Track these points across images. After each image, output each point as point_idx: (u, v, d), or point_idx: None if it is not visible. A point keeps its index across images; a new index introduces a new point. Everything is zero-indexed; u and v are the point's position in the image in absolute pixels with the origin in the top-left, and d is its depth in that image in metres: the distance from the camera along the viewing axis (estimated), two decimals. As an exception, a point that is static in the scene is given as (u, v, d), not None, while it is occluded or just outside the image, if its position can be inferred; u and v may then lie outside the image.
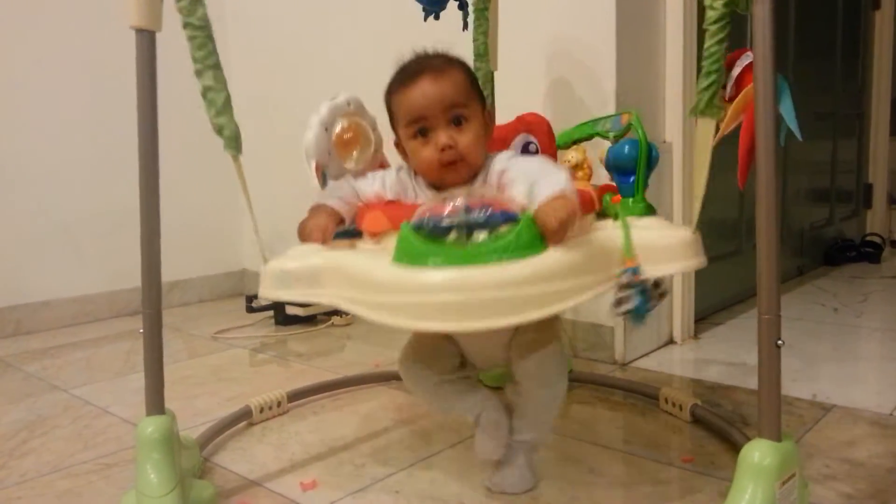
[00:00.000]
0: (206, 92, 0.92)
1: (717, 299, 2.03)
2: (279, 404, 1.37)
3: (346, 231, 1.00)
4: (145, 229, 0.94)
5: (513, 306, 0.76)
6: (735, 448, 1.07)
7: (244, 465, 1.16)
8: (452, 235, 0.80)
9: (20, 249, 2.17)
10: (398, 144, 1.04)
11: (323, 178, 1.10)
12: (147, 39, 0.91)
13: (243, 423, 1.32)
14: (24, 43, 2.16)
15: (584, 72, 1.61)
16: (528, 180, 0.89)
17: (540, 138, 1.15)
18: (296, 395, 1.42)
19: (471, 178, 0.99)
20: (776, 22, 0.79)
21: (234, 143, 0.95)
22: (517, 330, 0.98)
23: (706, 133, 0.86)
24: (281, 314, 2.14)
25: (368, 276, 0.82)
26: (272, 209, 2.30)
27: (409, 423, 1.31)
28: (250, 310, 2.16)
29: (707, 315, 1.98)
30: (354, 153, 1.15)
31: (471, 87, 0.99)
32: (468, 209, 0.81)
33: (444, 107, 0.96)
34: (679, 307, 1.76)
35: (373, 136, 1.17)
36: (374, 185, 1.03)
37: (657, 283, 0.84)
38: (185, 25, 0.90)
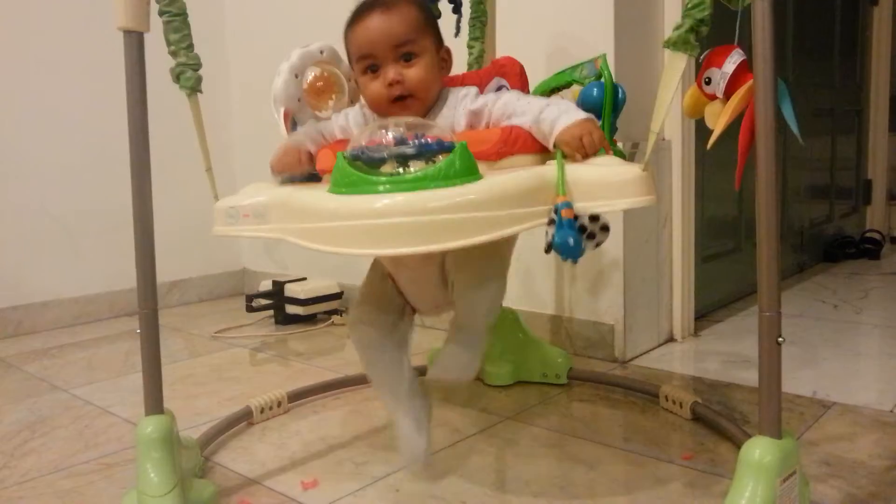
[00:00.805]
0: (178, 66, 0.96)
1: (717, 297, 2.03)
2: (279, 404, 1.37)
3: (312, 175, 1.01)
4: (138, 229, 0.94)
5: (447, 231, 0.76)
6: (736, 445, 1.08)
7: (245, 464, 1.16)
8: (387, 165, 0.80)
9: (21, 250, 2.17)
10: (355, 82, 1.05)
11: (292, 126, 1.10)
12: (135, 40, 0.92)
13: (244, 423, 1.32)
14: (24, 43, 2.16)
15: (583, 69, 1.61)
16: (540, 108, 0.91)
17: (512, 81, 1.14)
18: (296, 395, 1.42)
19: (423, 113, 0.99)
20: (776, 18, 0.78)
21: (191, 82, 0.97)
22: (454, 269, 0.99)
23: (675, 66, 0.84)
24: (281, 313, 2.14)
25: (311, 206, 0.84)
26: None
27: (409, 422, 1.31)
28: (250, 309, 2.16)
29: (707, 312, 1.98)
30: (330, 102, 1.14)
31: (423, 23, 0.99)
32: (402, 139, 0.81)
33: (393, 42, 0.96)
34: (679, 305, 1.76)
35: (347, 85, 1.16)
36: (339, 121, 1.05)
37: (595, 217, 0.81)
38: (162, 13, 0.94)
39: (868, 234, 2.97)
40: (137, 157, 0.94)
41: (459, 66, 1.43)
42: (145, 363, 0.96)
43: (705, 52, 0.91)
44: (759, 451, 0.80)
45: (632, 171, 0.84)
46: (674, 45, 0.83)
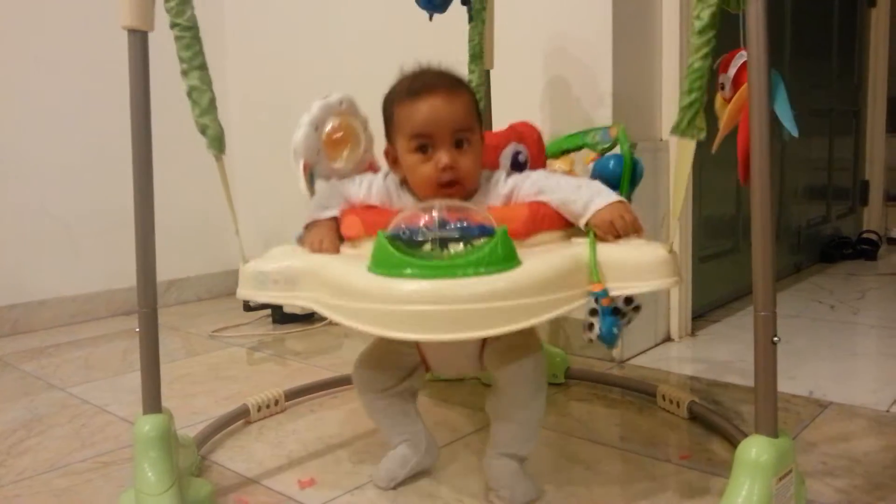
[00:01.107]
0: (191, 92, 0.93)
1: (714, 297, 2.03)
2: (277, 402, 1.37)
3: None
4: (139, 228, 0.94)
5: (484, 319, 0.77)
6: (732, 445, 1.08)
7: (242, 463, 1.16)
8: (427, 246, 0.80)
9: (18, 248, 2.17)
10: (388, 153, 1.03)
11: (310, 178, 1.10)
12: (139, 40, 0.91)
13: (241, 422, 1.32)
14: (24, 42, 2.15)
15: (580, 70, 1.61)
16: (572, 189, 0.92)
17: (530, 148, 1.15)
18: (293, 394, 1.42)
19: (465, 199, 0.98)
20: (770, 19, 0.79)
21: (217, 143, 0.95)
22: (487, 340, 0.98)
23: (686, 153, 0.85)
24: (279, 312, 2.14)
25: (345, 282, 0.83)
26: (268, 207, 2.31)
27: (406, 421, 1.31)
28: (248, 308, 2.16)
29: (704, 312, 1.98)
30: (344, 153, 1.14)
31: (475, 112, 1.00)
32: (444, 221, 0.82)
33: (453, 128, 0.95)
34: (676, 305, 1.77)
35: (363, 137, 1.17)
36: (361, 191, 1.03)
37: (629, 300, 0.84)
38: (173, 26, 0.91)
39: (865, 235, 2.97)
40: (140, 157, 0.93)
41: (462, 61, 1.45)
42: (144, 362, 0.96)
43: (719, 59, 0.91)
44: (755, 450, 0.80)
45: (659, 253, 0.85)
46: (682, 132, 0.84)
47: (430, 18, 1.40)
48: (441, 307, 0.76)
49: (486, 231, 0.81)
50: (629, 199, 1.03)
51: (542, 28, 1.66)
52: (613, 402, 1.39)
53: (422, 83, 0.98)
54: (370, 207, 1.02)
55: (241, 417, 1.32)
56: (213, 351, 1.89)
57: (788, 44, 2.46)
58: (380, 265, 0.80)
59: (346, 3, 2.14)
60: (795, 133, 0.87)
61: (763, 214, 0.80)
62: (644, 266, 0.84)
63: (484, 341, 0.99)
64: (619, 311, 0.83)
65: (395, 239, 0.81)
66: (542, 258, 0.83)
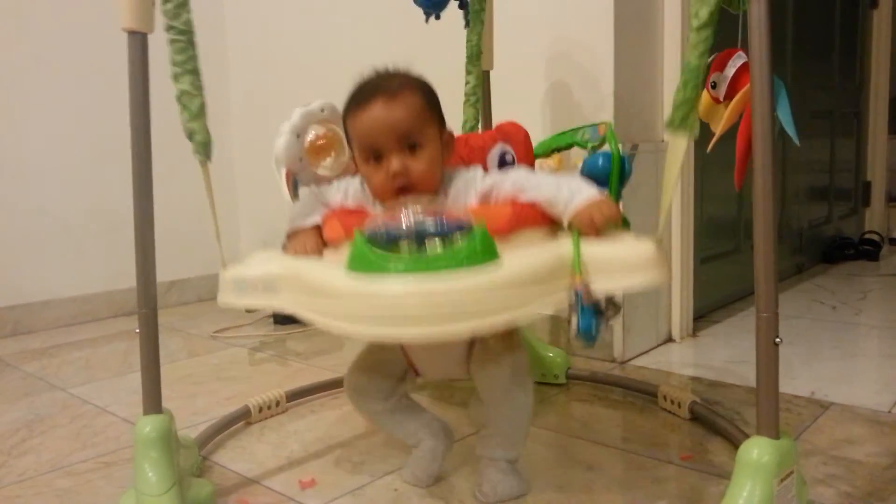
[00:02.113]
0: (181, 96, 0.92)
1: (715, 297, 2.03)
2: (278, 403, 1.37)
3: None
4: (139, 228, 0.94)
5: (464, 314, 0.76)
6: (733, 445, 1.08)
7: (243, 463, 1.16)
8: (404, 244, 0.80)
9: (19, 249, 2.17)
10: (354, 162, 1.03)
11: (294, 186, 1.10)
12: (139, 41, 0.91)
13: (242, 422, 1.32)
14: (24, 42, 2.16)
15: (582, 73, 1.61)
16: (553, 187, 0.91)
17: (516, 148, 1.14)
18: (295, 394, 1.42)
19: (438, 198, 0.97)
20: (772, 21, 0.78)
21: (203, 149, 0.95)
22: (473, 343, 0.98)
23: (678, 148, 0.84)
24: (280, 314, 2.13)
25: (323, 283, 0.82)
26: (268, 207, 2.31)
27: (407, 422, 1.31)
28: (249, 309, 2.16)
29: (706, 313, 1.98)
30: (328, 160, 1.13)
31: (426, 110, 0.96)
32: (420, 219, 0.81)
33: (397, 134, 0.93)
34: (678, 305, 1.77)
35: (346, 143, 1.16)
36: (338, 196, 1.03)
37: (609, 298, 0.83)
38: (169, 29, 0.90)
39: (867, 236, 2.97)
40: (139, 157, 0.93)
41: (460, 66, 1.45)
42: (144, 363, 0.96)
43: (713, 56, 0.91)
44: (756, 451, 0.80)
45: (645, 248, 0.84)
46: (677, 128, 0.83)
47: (427, 20, 1.39)
48: (420, 302, 0.76)
49: (464, 227, 0.80)
50: (619, 195, 1.03)
51: (543, 30, 1.66)
52: (614, 402, 1.39)
53: (362, 92, 0.96)
54: (351, 211, 1.01)
55: (243, 418, 1.32)
56: (215, 351, 1.89)
57: (790, 45, 2.46)
58: (357, 264, 0.79)
59: (348, 4, 2.15)
60: (797, 141, 0.86)
61: (765, 215, 0.80)
62: (631, 262, 0.83)
63: (471, 346, 0.99)
64: (600, 311, 0.82)
65: (372, 238, 0.80)
66: (522, 254, 0.82)
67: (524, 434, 1.02)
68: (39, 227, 2.21)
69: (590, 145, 1.09)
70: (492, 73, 1.48)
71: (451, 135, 1.02)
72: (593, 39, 1.58)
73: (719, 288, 2.04)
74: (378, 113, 0.93)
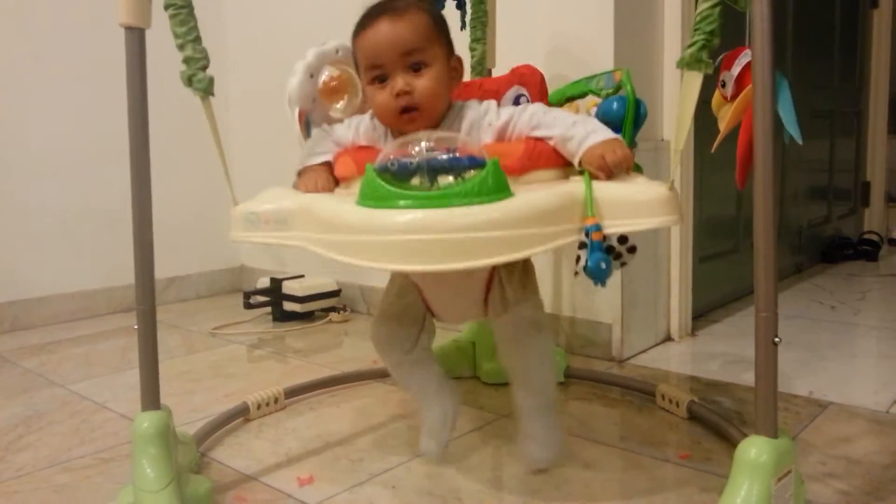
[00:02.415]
0: (188, 60, 0.92)
1: (714, 297, 2.03)
2: (276, 400, 1.37)
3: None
4: (138, 225, 0.94)
5: (476, 249, 0.76)
6: (732, 445, 1.07)
7: (241, 460, 1.16)
8: (416, 178, 0.79)
9: (18, 245, 2.17)
10: (364, 92, 1.03)
11: (306, 126, 1.09)
12: (136, 37, 0.91)
13: (240, 419, 1.32)
14: (22, 38, 2.15)
15: (581, 70, 1.59)
16: (569, 124, 0.90)
17: (531, 91, 1.13)
18: (293, 391, 1.42)
19: (432, 125, 0.96)
20: (775, 20, 0.78)
21: (204, 84, 0.93)
22: (490, 286, 0.98)
23: (692, 86, 0.83)
24: (279, 310, 2.14)
25: (335, 217, 0.82)
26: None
27: (405, 419, 1.31)
28: (248, 306, 2.16)
29: (704, 312, 1.98)
30: (341, 102, 1.13)
31: (434, 31, 0.96)
32: (433, 152, 0.80)
33: (401, 51, 0.93)
34: (677, 304, 1.77)
35: (360, 84, 1.16)
36: (349, 133, 1.03)
37: (624, 238, 0.82)
38: (168, 6, 0.91)
39: (866, 236, 2.97)
40: (138, 153, 0.93)
41: (466, 69, 1.44)
42: (142, 359, 0.96)
43: (722, 55, 0.91)
44: (754, 450, 0.80)
45: (658, 190, 0.83)
46: (687, 64, 0.83)
47: None
48: (432, 237, 0.75)
49: (477, 162, 0.79)
50: (633, 140, 1.02)
51: (543, 27, 1.65)
52: (613, 401, 1.39)
53: (369, 13, 0.96)
54: (362, 147, 1.00)
55: (241, 415, 1.32)
56: (213, 348, 1.89)
57: (790, 45, 2.46)
58: (369, 198, 0.79)
59: (347, 4, 2.14)
60: (800, 140, 0.86)
61: (765, 215, 0.80)
62: (643, 203, 0.83)
63: (487, 289, 0.99)
64: (612, 250, 0.81)
65: (383, 171, 0.80)
66: (535, 191, 0.82)
67: (551, 380, 1.04)
68: (38, 223, 2.20)
69: (604, 93, 1.08)
70: (493, 71, 1.47)
71: (459, 59, 1.01)
72: (593, 37, 1.58)
73: (718, 287, 2.04)
74: (383, 31, 0.93)
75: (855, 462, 1.08)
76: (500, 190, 0.78)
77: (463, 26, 1.42)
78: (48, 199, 2.22)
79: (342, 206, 0.84)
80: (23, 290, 2.18)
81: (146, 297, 0.95)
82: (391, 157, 0.81)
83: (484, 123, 0.97)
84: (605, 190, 0.83)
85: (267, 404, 1.35)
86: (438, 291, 1.03)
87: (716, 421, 1.20)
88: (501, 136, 0.95)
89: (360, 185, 0.81)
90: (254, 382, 1.56)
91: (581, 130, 0.89)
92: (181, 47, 0.92)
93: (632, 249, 0.84)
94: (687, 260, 1.77)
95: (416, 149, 0.81)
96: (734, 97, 0.92)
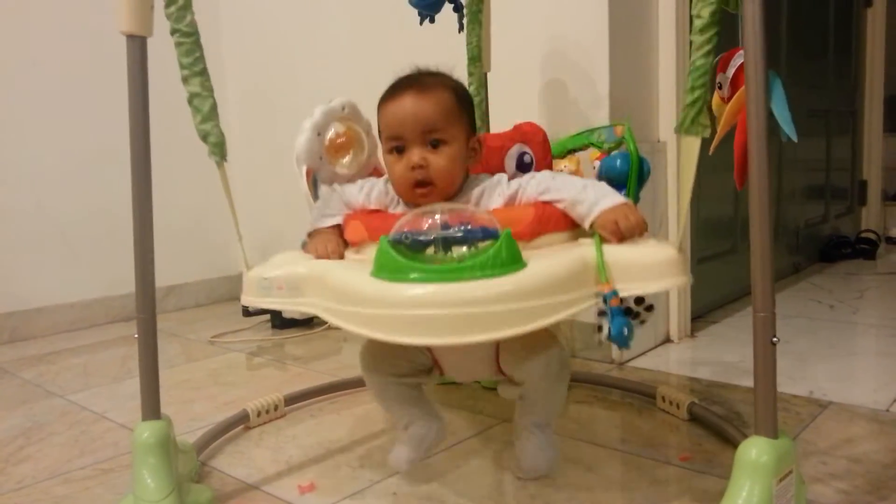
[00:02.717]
0: (192, 98, 0.93)
1: (713, 298, 2.03)
2: (276, 408, 1.37)
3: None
4: (138, 234, 0.94)
5: (491, 322, 0.76)
6: (732, 446, 1.08)
7: (242, 468, 1.16)
8: (430, 250, 0.80)
9: (16, 255, 2.17)
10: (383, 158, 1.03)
11: (313, 184, 1.10)
12: (138, 45, 0.91)
13: (241, 427, 1.32)
14: (20, 45, 2.15)
15: (577, 73, 1.61)
16: (578, 188, 0.91)
17: (535, 149, 1.14)
18: (293, 399, 1.42)
19: (445, 200, 0.97)
20: (766, 20, 0.79)
21: (219, 149, 0.95)
22: (501, 344, 0.98)
23: (691, 151, 0.85)
24: (278, 318, 2.14)
25: (350, 288, 0.83)
26: (266, 211, 2.31)
27: (406, 425, 1.31)
28: (247, 314, 2.16)
29: (704, 313, 1.98)
30: (346, 158, 1.15)
31: (456, 111, 0.97)
32: (446, 224, 0.81)
33: (422, 127, 0.94)
34: (675, 306, 1.77)
35: (366, 142, 1.17)
36: (361, 196, 1.03)
37: (640, 299, 0.84)
38: (174, 32, 0.91)
39: (863, 235, 2.98)
40: (138, 161, 0.93)
41: (461, 68, 1.45)
42: (143, 368, 0.96)
43: (719, 56, 0.91)
44: (755, 451, 0.80)
45: (667, 252, 0.84)
46: (686, 130, 0.84)
47: (421, 23, 1.39)
48: (447, 311, 0.76)
49: (490, 233, 0.80)
50: (637, 197, 1.03)
51: (538, 30, 1.66)
52: (613, 403, 1.39)
53: (396, 85, 0.98)
54: (373, 212, 1.01)
55: (241, 423, 1.32)
56: (213, 356, 1.89)
57: (785, 45, 2.47)
58: (384, 270, 0.80)
59: (344, 8, 2.15)
60: (795, 137, 0.86)
61: (761, 215, 0.80)
62: (653, 266, 0.83)
63: (498, 345, 0.98)
64: (630, 312, 0.82)
65: (397, 243, 0.81)
66: (548, 260, 0.82)
67: (560, 406, 1.03)
68: (37, 232, 2.20)
69: (606, 146, 1.09)
70: (488, 75, 1.48)
71: (479, 141, 1.02)
72: (589, 40, 1.58)
73: (717, 288, 2.04)
74: (407, 105, 0.95)
75: (856, 461, 1.08)
76: (513, 261, 0.78)
77: (461, 29, 1.43)
78: (47, 208, 2.22)
79: (356, 276, 0.83)
80: (22, 301, 2.18)
81: (146, 305, 0.95)
82: (405, 228, 0.82)
83: (495, 193, 0.98)
84: (616, 253, 0.84)
85: (267, 412, 1.35)
86: (449, 351, 1.02)
87: (716, 422, 1.20)
88: (511, 201, 0.97)
89: (375, 258, 0.81)
90: (253, 390, 1.56)
91: (591, 195, 0.90)
92: (186, 80, 0.92)
93: (649, 308, 0.85)
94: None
95: (430, 220, 0.82)
96: (731, 98, 0.92)
